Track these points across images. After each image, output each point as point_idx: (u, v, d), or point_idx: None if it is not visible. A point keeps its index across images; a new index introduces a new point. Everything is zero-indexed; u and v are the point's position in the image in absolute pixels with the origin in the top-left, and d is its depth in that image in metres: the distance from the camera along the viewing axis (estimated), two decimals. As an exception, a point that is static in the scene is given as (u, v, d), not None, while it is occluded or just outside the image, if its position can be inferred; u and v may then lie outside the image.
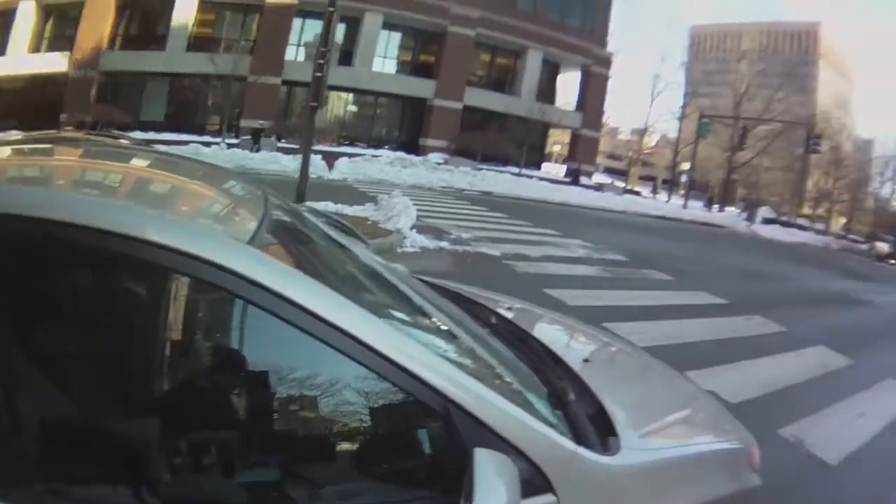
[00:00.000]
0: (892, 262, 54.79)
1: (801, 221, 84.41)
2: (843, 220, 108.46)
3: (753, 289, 16.22)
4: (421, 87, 48.63)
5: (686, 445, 2.25)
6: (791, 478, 5.61)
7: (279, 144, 36.56)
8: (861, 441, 6.37)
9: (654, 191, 78.29)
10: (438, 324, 2.06)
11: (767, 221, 64.20)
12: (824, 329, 12.03)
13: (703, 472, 2.29)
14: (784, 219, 79.75)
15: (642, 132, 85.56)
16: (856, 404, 7.66)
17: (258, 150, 32.71)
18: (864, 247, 64.92)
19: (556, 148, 75.19)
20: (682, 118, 74.27)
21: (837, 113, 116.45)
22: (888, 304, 19.71)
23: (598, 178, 67.77)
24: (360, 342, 1.46)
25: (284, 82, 46.91)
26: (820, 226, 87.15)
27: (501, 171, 39.20)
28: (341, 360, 1.53)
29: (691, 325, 9.94)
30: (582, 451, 1.63)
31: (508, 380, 1.74)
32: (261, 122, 38.14)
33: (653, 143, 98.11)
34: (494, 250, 12.91)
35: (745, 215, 62.70)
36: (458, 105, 47.90)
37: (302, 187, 14.36)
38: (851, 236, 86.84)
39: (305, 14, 47.09)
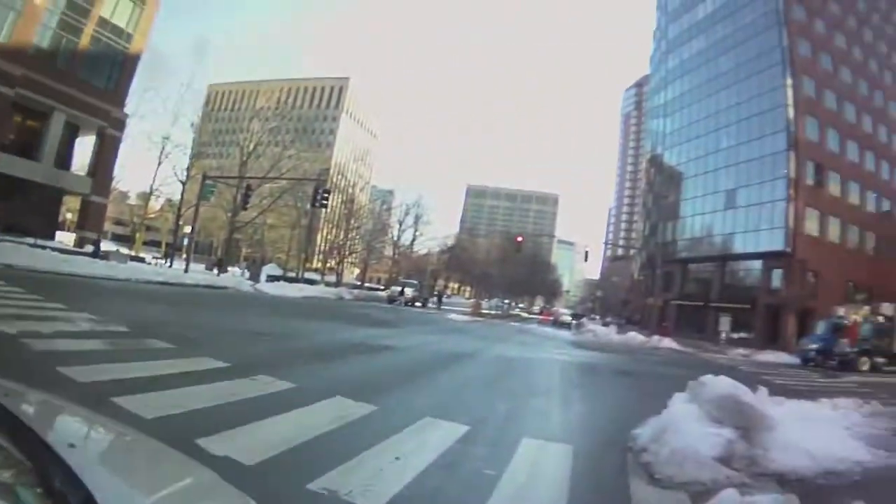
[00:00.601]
0: (418, 304, 70.40)
1: (310, 276, 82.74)
2: (357, 270, 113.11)
3: (259, 349, 16.04)
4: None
5: None
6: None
7: None
8: (403, 483, 6.54)
9: (160, 256, 69.50)
10: None
11: (272, 279, 63.42)
12: (341, 379, 12.71)
13: None
14: (291, 275, 77.99)
15: (147, 196, 78.97)
16: (389, 448, 7.83)
17: None
18: (383, 293, 75.22)
19: (70, 216, 66.31)
20: (185, 180, 66.50)
21: (355, 165, 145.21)
22: (408, 347, 21.82)
23: (106, 245, 59.44)
24: None
25: None
26: (331, 278, 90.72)
27: (20, 242, 35.60)
28: None
29: (196, 392, 9.13)
30: None
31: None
32: None
33: (158, 208, 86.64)
34: (12, 328, 11.65)
35: (247, 275, 63.61)
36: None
37: None
38: (368, 284, 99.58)
39: None
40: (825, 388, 24.86)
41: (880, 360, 42.37)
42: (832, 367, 41.56)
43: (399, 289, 71.43)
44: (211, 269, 66.64)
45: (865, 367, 41.06)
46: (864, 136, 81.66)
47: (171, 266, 60.78)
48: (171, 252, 71.45)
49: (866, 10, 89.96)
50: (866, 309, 47.24)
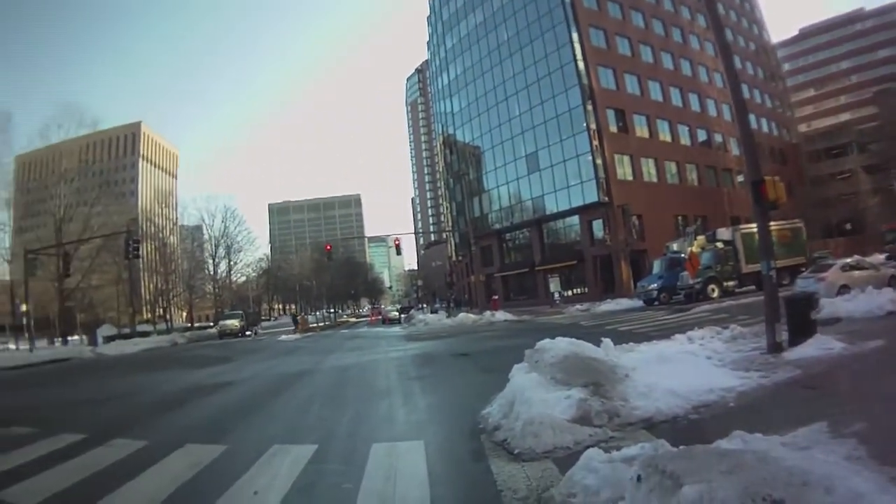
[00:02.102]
0: (248, 333, 70.24)
1: (142, 328, 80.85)
2: (184, 313, 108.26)
3: (109, 412, 15.59)
4: None
5: None
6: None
7: None
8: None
9: (5, 341, 73.01)
10: None
11: (109, 339, 62.57)
12: (188, 426, 12.58)
13: None
14: (125, 331, 74.78)
15: None
16: (246, 485, 7.68)
17: None
18: (213, 330, 72.56)
19: None
20: (11, 259, 67.34)
21: (160, 209, 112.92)
22: (245, 378, 21.57)
23: None
24: None
25: None
26: (162, 325, 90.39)
27: None
28: None
29: (62, 470, 8.84)
30: None
31: None
32: None
33: None
34: None
35: (86, 341, 65.79)
36: None
37: None
38: (198, 324, 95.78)
39: None
40: (677, 324, 25.10)
41: (730, 283, 43.35)
42: (679, 302, 42.14)
43: (227, 322, 69.55)
44: (52, 343, 67.13)
45: (715, 295, 41.79)
46: (667, 73, 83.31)
47: (16, 348, 60.23)
48: (16, 334, 69.69)
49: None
50: (702, 238, 47.91)
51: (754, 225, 39.43)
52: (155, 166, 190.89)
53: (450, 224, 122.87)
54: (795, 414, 8.66)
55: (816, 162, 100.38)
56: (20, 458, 10.08)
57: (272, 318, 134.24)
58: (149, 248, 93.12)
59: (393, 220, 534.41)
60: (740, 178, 76.92)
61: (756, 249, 38.63)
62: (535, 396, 9.77)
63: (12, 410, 17.01)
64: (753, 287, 40.69)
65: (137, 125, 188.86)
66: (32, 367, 38.84)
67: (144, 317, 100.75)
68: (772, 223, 42.18)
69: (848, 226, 58.84)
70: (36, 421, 14.03)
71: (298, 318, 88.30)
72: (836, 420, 7.14)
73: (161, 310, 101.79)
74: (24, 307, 57.76)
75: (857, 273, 31.10)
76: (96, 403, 18.28)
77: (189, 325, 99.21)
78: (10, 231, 71.22)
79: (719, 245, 45.52)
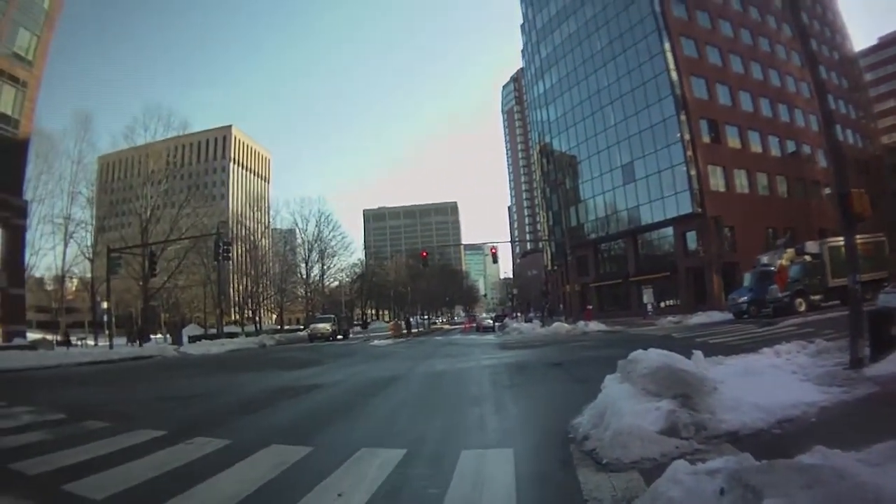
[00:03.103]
0: (339, 337, 69.46)
1: (230, 329, 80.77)
2: (274, 315, 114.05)
3: (191, 411, 15.72)
4: None
5: None
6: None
7: None
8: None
9: (84, 336, 73.40)
10: None
11: (194, 339, 64.64)
12: (274, 427, 12.50)
13: None
14: (212, 331, 77.14)
15: (61, 279, 77.60)
16: (330, 487, 7.72)
17: None
18: (303, 333, 71.83)
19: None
20: (92, 257, 68.85)
21: (252, 212, 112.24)
22: (335, 381, 21.29)
23: (32, 334, 61.84)
24: None
25: None
26: (250, 327, 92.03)
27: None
28: None
29: (140, 465, 9.04)
30: None
31: None
32: None
33: (73, 288, 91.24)
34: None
35: (170, 340, 67.09)
36: None
37: None
38: (287, 327, 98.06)
39: None
40: (765, 338, 25.16)
41: (816, 297, 43.09)
42: (767, 315, 41.83)
43: (319, 325, 69.05)
44: (134, 341, 66.01)
45: (802, 308, 41.68)
46: (756, 84, 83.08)
47: (95, 344, 61.71)
48: (95, 330, 72.40)
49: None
50: (791, 251, 47.24)
51: (840, 238, 38.92)
52: (246, 169, 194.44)
53: (546, 233, 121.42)
54: (873, 430, 8.47)
55: None
56: (94, 451, 10.20)
57: (365, 323, 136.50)
58: (239, 251, 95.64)
59: (489, 229, 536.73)
60: (827, 191, 75.70)
61: (842, 263, 37.56)
62: (625, 407, 9.86)
63: (90, 405, 16.84)
64: (838, 301, 39.95)
65: (228, 129, 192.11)
66: (114, 363, 39.18)
67: (232, 318, 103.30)
68: (862, 236, 41.13)
69: None
70: (113, 416, 14.22)
71: (392, 323, 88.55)
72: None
73: (250, 311, 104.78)
74: (104, 304, 59.60)
75: (942, 286, 30.54)
76: (178, 401, 18.57)
77: (279, 327, 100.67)
78: (93, 230, 73.08)
79: (807, 258, 45.03)
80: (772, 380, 13.29)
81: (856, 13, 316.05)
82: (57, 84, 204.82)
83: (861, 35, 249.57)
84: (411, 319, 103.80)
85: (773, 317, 40.49)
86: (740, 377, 13.26)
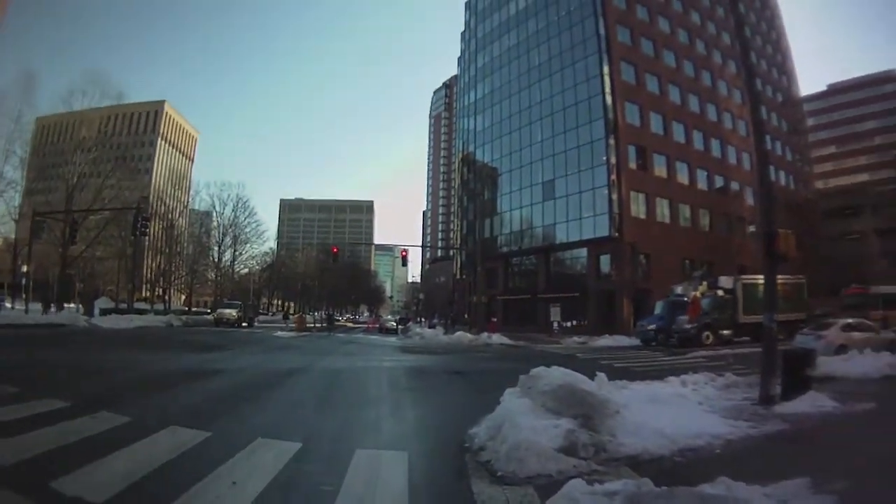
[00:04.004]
0: (244, 324, 69.09)
1: (140, 305, 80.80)
2: (183, 296, 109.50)
3: (97, 384, 15.53)
4: None
5: None
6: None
7: None
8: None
9: (6, 299, 69.08)
10: None
11: (105, 312, 62.19)
12: (175, 408, 12.57)
13: None
14: (123, 306, 75.64)
15: None
16: (226, 474, 7.68)
17: None
18: (210, 317, 72.11)
19: None
20: (18, 219, 64.80)
21: (173, 190, 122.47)
22: (238, 368, 21.77)
23: None
24: None
25: None
26: (159, 306, 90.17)
27: None
28: None
29: (45, 435, 9.11)
30: None
31: None
32: None
33: None
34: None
35: (82, 310, 63.38)
36: None
37: None
38: (195, 309, 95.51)
39: None
40: (672, 367, 25.04)
41: (725, 332, 42.98)
42: (673, 345, 41.58)
43: (225, 311, 69.66)
44: (49, 308, 65.66)
45: (709, 341, 41.50)
46: (692, 116, 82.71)
47: (13, 308, 59.45)
48: (13, 293, 70.23)
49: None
50: (704, 284, 47.16)
51: (757, 276, 39.20)
52: (173, 147, 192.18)
53: (458, 242, 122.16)
54: (780, 467, 8.74)
55: (829, 219, 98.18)
56: (8, 414, 10.17)
57: (270, 313, 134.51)
58: (156, 228, 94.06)
59: (402, 231, 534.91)
60: (752, 228, 76.25)
61: (756, 300, 38.25)
62: (524, 422, 9.78)
63: (2, 370, 16.85)
64: (748, 338, 40.32)
65: (161, 104, 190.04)
66: (26, 328, 39.24)
67: (143, 295, 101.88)
68: (780, 277, 41.63)
69: (853, 286, 58.28)
70: (24, 382, 14.15)
71: (297, 316, 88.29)
72: (819, 477, 7.09)
73: (160, 290, 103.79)
74: (24, 268, 59.12)
75: (857, 334, 30.61)
76: (86, 373, 18.56)
77: (187, 308, 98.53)
78: (22, 191, 69.45)
79: (720, 293, 45.21)
80: (677, 409, 13.28)
81: (809, 58, 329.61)
82: (8, 40, 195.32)
83: (812, 80, 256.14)
84: (315, 314, 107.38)
85: (678, 347, 40.50)
86: (644, 403, 13.26)
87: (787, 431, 12.04)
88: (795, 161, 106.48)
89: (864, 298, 47.77)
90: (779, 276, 34.53)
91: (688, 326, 41.87)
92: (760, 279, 43.13)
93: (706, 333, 42.59)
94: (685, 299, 44.97)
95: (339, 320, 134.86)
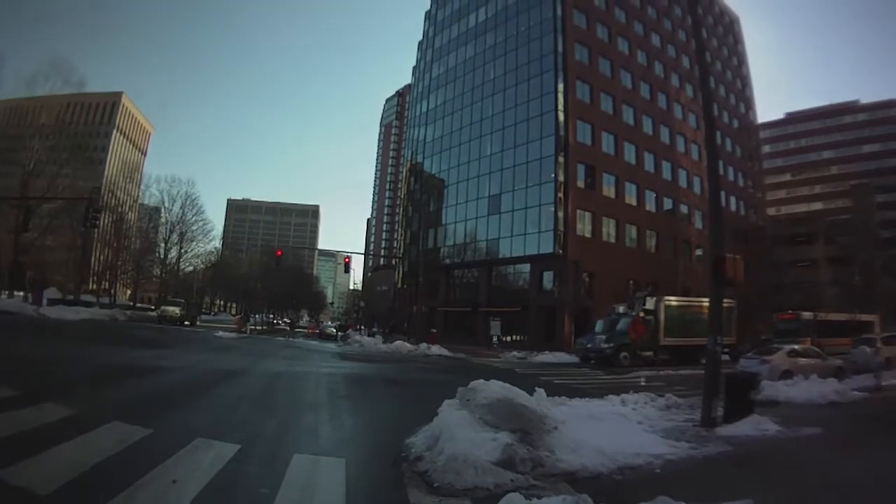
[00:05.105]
0: (187, 323, 68.91)
1: (86, 297, 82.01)
2: (129, 291, 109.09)
3: (43, 376, 15.83)
4: None
5: None
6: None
7: None
8: (182, 508, 8.28)
9: None
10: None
11: (53, 302, 62.35)
12: (118, 403, 12.57)
13: None
14: (70, 297, 75.37)
15: None
16: (166, 472, 7.77)
17: None
18: (153, 313, 71.41)
19: None
20: None
21: (125, 183, 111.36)
22: (179, 367, 21.61)
23: None
24: None
25: None
26: (105, 299, 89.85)
27: None
28: None
29: None
30: None
31: None
32: None
33: None
34: None
35: (31, 299, 64.12)
36: None
37: None
38: (140, 304, 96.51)
39: None
40: (612, 385, 25.22)
41: (646, 353, 41.33)
42: (591, 365, 41.36)
43: (169, 308, 68.80)
44: None
45: (626, 363, 40.30)
46: (644, 138, 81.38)
47: None
48: None
49: (656, 17, 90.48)
50: (651, 302, 45.54)
51: (682, 298, 39.41)
52: (127, 139, 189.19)
53: (401, 251, 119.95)
54: (721, 488, 8.83)
55: (780, 246, 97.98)
56: None
57: (212, 313, 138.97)
58: (106, 220, 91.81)
59: (345, 238, 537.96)
60: (699, 252, 77.72)
61: (677, 322, 39.82)
62: (461, 434, 9.83)
63: None
64: (667, 359, 39.82)
65: (119, 95, 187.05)
66: (-28, 313, 43.78)
67: (90, 287, 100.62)
68: (704, 299, 41.87)
69: (788, 311, 57.98)
70: None
71: (238, 318, 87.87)
72: (760, 499, 7.08)
73: (107, 283, 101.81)
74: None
75: (802, 360, 30.75)
76: (33, 363, 18.94)
77: (131, 303, 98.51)
78: None
79: (640, 313, 43.09)
80: (616, 427, 13.34)
81: (769, 86, 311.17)
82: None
83: (770, 108, 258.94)
84: (255, 317, 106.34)
85: (595, 368, 39.90)
86: (583, 420, 13.37)
87: (729, 453, 12.09)
88: (748, 187, 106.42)
89: (795, 324, 47.24)
90: (705, 300, 34.74)
91: (604, 346, 41.76)
92: (684, 301, 43.51)
93: (623, 354, 41.61)
94: (623, 317, 43.64)
95: (278, 324, 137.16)
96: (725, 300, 42.35)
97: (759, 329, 53.12)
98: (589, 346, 45.43)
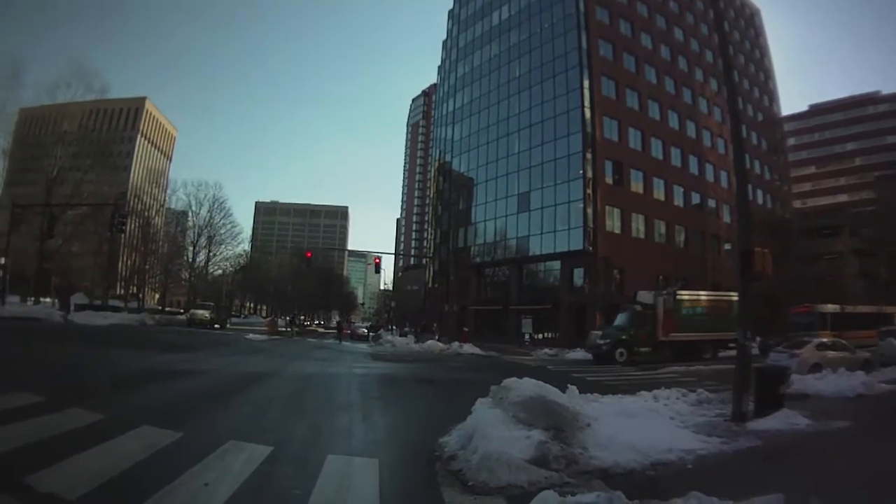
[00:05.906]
0: (216, 326, 68.61)
1: (114, 303, 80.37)
2: (158, 295, 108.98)
3: (69, 380, 15.69)
4: None
5: None
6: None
7: None
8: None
9: None
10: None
11: (80, 308, 61.44)
12: (147, 407, 12.51)
13: None
14: (97, 302, 75.40)
15: None
16: (198, 475, 7.74)
17: None
18: (183, 317, 72.26)
19: None
20: None
21: (150, 188, 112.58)
22: (210, 370, 21.42)
23: None
24: None
25: None
26: (133, 304, 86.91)
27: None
28: None
29: (18, 430, 9.13)
30: None
31: None
32: None
33: None
34: None
35: (58, 305, 63.37)
36: None
37: None
38: (168, 308, 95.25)
39: None
40: (644, 381, 25.06)
41: (643, 350, 40.60)
42: (592, 362, 40.55)
43: (198, 311, 69.26)
44: (25, 301, 67.58)
45: (622, 360, 39.37)
46: (671, 132, 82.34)
47: None
48: None
49: (678, 11, 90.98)
50: (681, 293, 45.08)
51: (683, 291, 39.36)
52: (152, 145, 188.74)
53: (432, 250, 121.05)
54: (752, 483, 8.83)
55: (806, 239, 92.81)
56: None
57: (242, 316, 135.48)
58: (133, 225, 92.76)
59: (375, 238, 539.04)
60: (727, 246, 77.55)
61: (680, 317, 39.02)
62: (495, 432, 9.83)
63: None
64: (668, 354, 39.50)
65: (142, 101, 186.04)
66: (3, 321, 38.97)
67: (118, 292, 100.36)
68: (708, 292, 41.18)
69: (804, 305, 57.03)
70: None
71: (268, 319, 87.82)
72: (792, 493, 7.04)
73: (134, 288, 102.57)
74: (1, 260, 57.64)
75: (831, 353, 30.46)
76: (61, 368, 18.90)
77: (160, 307, 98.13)
78: (2, 182, 71.69)
79: (637, 308, 43.64)
80: (648, 423, 13.32)
81: (791, 78, 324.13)
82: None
83: (794, 100, 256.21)
84: (287, 318, 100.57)
85: (594, 364, 38.81)
86: (616, 417, 13.33)
87: (760, 448, 12.05)
88: (774, 180, 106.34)
89: (810, 318, 46.94)
90: (715, 293, 34.24)
91: (600, 342, 40.94)
92: (685, 295, 42.45)
93: (620, 350, 40.47)
94: (637, 309, 42.62)
95: (309, 325, 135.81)
96: (728, 294, 41.14)
97: (787, 323, 50.37)
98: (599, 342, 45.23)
